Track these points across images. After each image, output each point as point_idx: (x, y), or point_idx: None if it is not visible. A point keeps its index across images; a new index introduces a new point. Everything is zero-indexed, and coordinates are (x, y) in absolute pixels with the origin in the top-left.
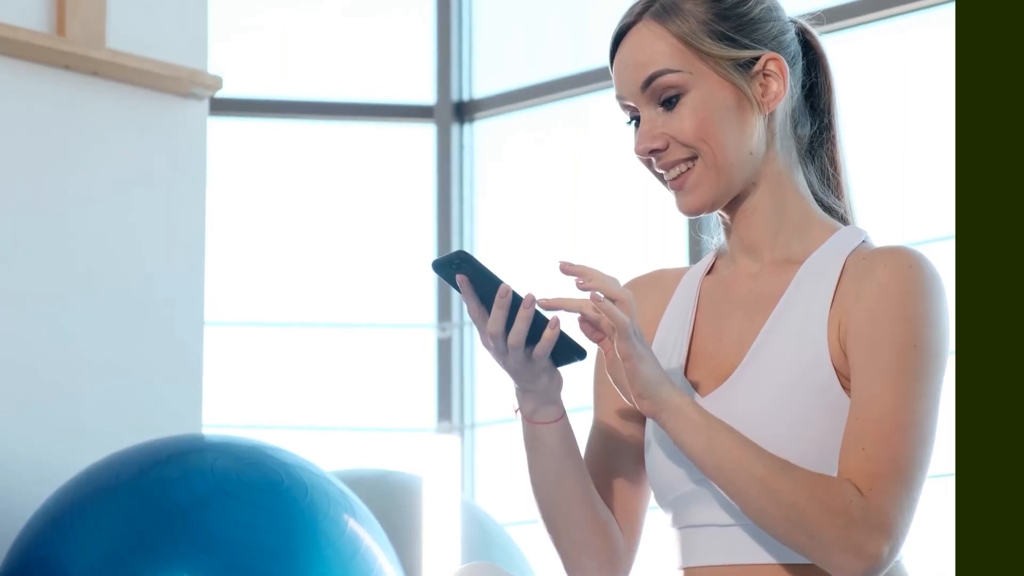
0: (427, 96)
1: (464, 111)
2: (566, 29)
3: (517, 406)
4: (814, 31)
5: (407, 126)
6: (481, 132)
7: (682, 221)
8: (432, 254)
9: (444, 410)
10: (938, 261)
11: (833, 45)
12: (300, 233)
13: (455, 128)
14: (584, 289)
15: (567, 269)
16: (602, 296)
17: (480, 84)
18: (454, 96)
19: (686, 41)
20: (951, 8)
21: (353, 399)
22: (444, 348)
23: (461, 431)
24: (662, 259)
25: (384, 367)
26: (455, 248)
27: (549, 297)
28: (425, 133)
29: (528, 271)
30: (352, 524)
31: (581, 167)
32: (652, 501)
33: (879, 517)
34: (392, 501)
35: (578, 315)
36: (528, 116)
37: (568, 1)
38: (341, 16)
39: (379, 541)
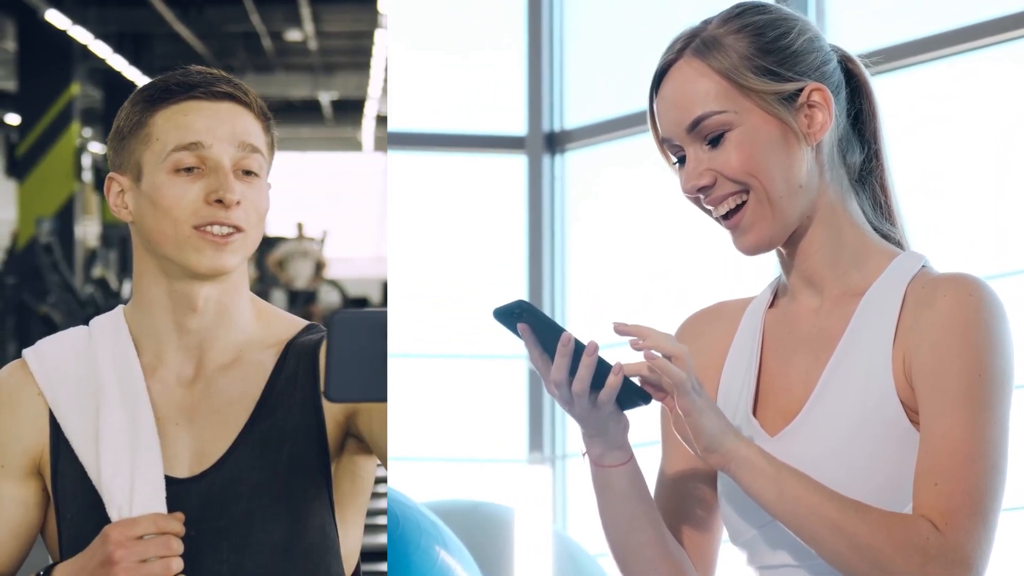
0: (519, 127)
1: (555, 142)
2: (656, 60)
3: (585, 450)
4: (856, 58)
5: (499, 157)
6: (572, 163)
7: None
8: (524, 283)
9: (536, 441)
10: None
11: (913, 79)
12: (394, 263)
13: (546, 159)
14: (639, 349)
15: (621, 330)
16: (658, 355)
17: (571, 115)
18: (545, 127)
19: (729, 77)
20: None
21: (445, 430)
22: (535, 379)
23: (552, 462)
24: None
25: (476, 398)
26: (546, 278)
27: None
28: (517, 164)
29: (619, 301)
30: (444, 555)
31: (671, 197)
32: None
33: (957, 552)
34: (484, 532)
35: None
36: (619, 147)
37: (657, 33)
38: (437, 50)
39: (470, 572)
